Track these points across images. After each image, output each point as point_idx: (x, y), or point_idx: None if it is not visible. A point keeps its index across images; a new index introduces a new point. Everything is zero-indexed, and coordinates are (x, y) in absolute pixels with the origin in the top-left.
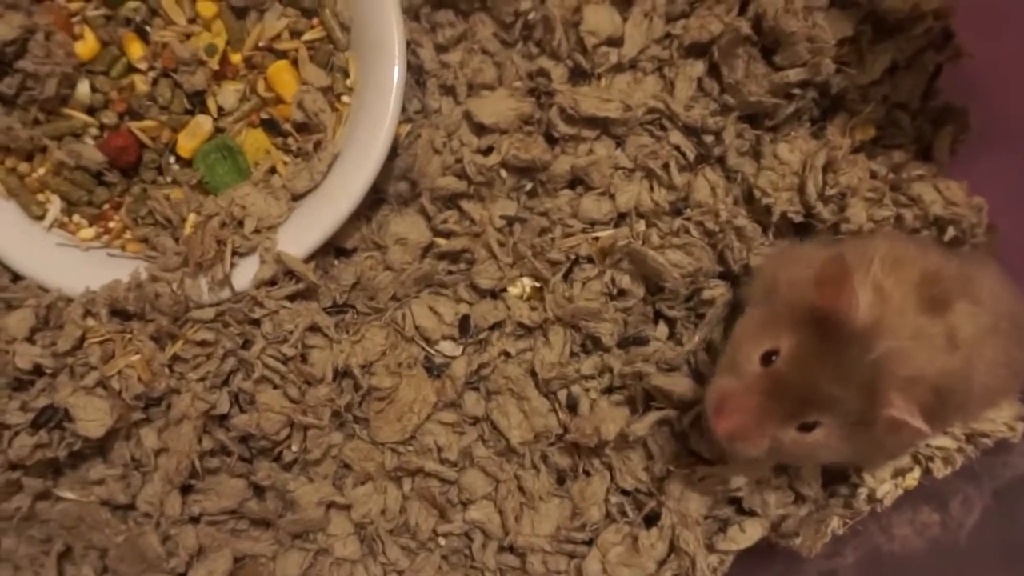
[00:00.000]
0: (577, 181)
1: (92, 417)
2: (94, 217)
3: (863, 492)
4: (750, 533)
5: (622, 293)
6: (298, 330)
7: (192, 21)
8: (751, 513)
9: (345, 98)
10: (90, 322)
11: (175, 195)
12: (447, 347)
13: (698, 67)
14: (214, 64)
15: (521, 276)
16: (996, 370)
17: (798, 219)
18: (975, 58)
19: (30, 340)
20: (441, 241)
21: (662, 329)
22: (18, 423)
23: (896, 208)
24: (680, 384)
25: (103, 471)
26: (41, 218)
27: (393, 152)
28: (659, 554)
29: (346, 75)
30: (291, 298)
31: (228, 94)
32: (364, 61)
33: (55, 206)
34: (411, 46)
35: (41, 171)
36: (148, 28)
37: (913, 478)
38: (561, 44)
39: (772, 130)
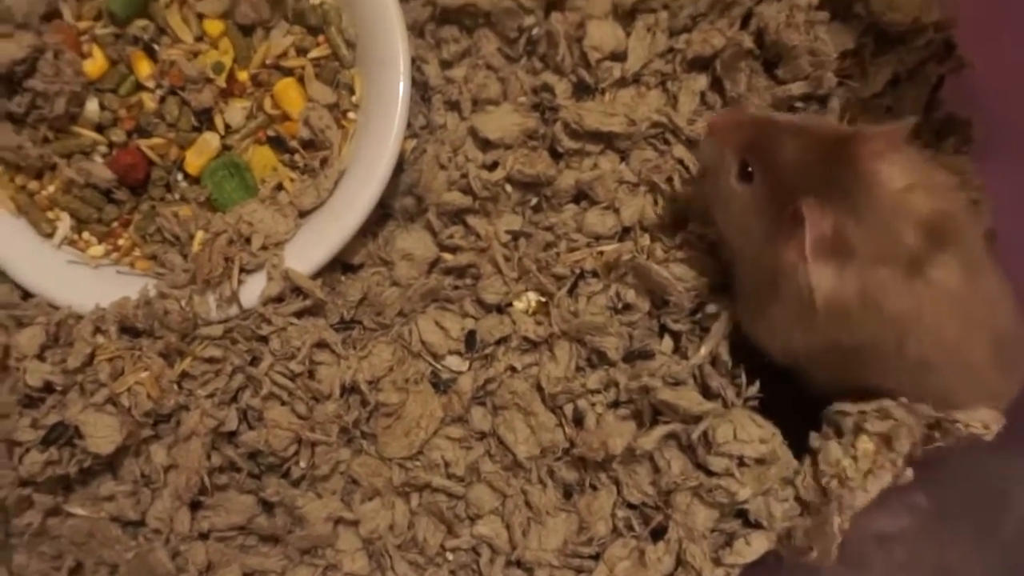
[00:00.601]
0: (582, 195)
1: (102, 434)
2: (103, 234)
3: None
4: (756, 546)
5: (627, 307)
6: (305, 347)
7: (199, 39)
8: (757, 525)
9: (351, 115)
10: (100, 339)
11: (183, 212)
12: (453, 362)
13: (701, 81)
14: (221, 82)
15: (527, 291)
16: (941, 343)
17: None
18: (977, 69)
19: (40, 357)
20: (447, 256)
21: (667, 343)
22: (29, 440)
23: None
24: (687, 398)
25: (113, 487)
26: (51, 236)
27: (399, 168)
28: (666, 568)
29: (352, 92)
30: (298, 315)
31: (235, 111)
32: (370, 78)
33: (65, 224)
34: (416, 62)
35: (51, 189)
36: (156, 46)
37: (867, 446)
38: (565, 59)
39: None
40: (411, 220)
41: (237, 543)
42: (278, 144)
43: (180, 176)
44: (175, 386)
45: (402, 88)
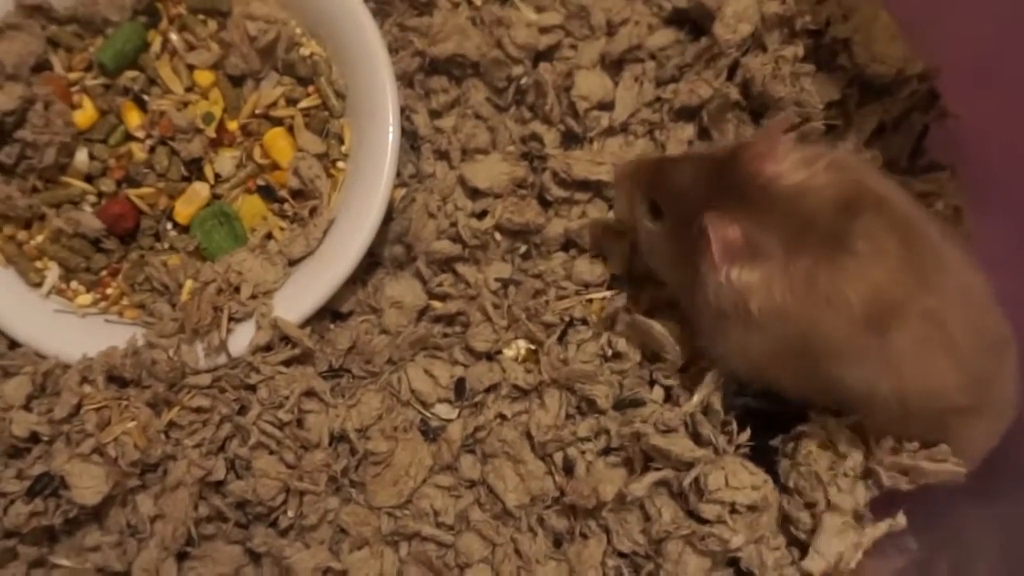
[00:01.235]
0: (570, 244)
1: (88, 484)
2: (92, 283)
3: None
4: None
5: (617, 355)
6: (294, 395)
7: (189, 90)
8: (748, 574)
9: (340, 164)
10: (87, 389)
11: (172, 261)
12: (443, 410)
13: (688, 130)
14: (211, 132)
15: (516, 338)
16: (891, 304)
17: None
18: (960, 119)
19: (27, 408)
20: (436, 304)
21: (658, 391)
22: (14, 491)
23: None
24: (679, 444)
25: (99, 538)
26: (39, 285)
27: (388, 216)
28: None
29: (341, 141)
30: (287, 363)
31: (225, 161)
32: (359, 127)
33: (53, 273)
34: (405, 112)
35: (39, 238)
36: (146, 97)
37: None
38: (553, 109)
39: None
40: (400, 268)
41: None
42: (268, 193)
43: (169, 225)
44: (162, 435)
45: (391, 138)
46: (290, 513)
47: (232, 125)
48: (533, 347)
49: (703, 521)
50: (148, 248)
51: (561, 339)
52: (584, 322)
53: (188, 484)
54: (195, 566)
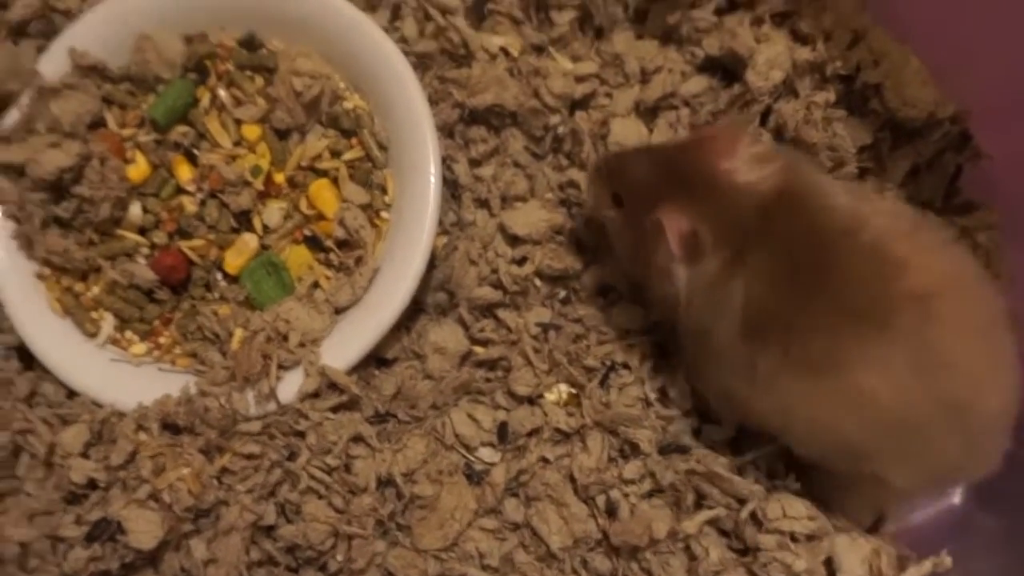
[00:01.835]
0: (609, 288)
1: (144, 529)
2: (145, 333)
3: None
4: None
5: (666, 400)
6: (342, 441)
7: (237, 144)
8: None
9: (384, 214)
10: (142, 436)
11: (223, 311)
12: (486, 454)
13: None
14: (259, 184)
15: (557, 383)
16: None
17: None
18: (994, 159)
19: (84, 455)
20: (479, 349)
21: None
22: (73, 536)
23: None
24: (735, 480)
25: None
26: (95, 335)
27: (431, 264)
28: None
29: (384, 192)
30: (335, 409)
31: (272, 212)
32: (401, 178)
33: (108, 323)
34: (446, 162)
35: (95, 290)
36: (196, 151)
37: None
38: (590, 156)
39: None
40: (443, 314)
41: None
42: (314, 243)
43: (219, 276)
44: (215, 481)
45: (433, 188)
46: (339, 557)
47: (279, 177)
48: (574, 391)
49: (757, 551)
50: (199, 298)
51: (603, 383)
52: (626, 366)
53: (240, 529)
54: None
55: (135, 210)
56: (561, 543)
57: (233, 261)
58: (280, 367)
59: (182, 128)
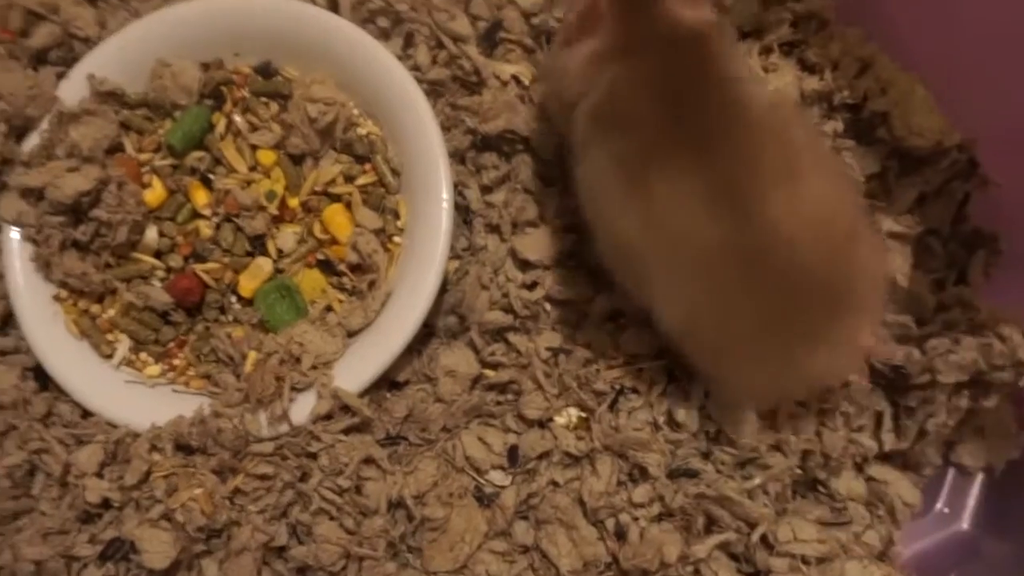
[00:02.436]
0: (618, 314)
1: (157, 549)
2: (160, 355)
3: None
4: None
5: (673, 425)
6: (353, 463)
7: (252, 169)
8: None
9: (397, 239)
10: (156, 457)
11: (236, 333)
12: (496, 476)
13: None
14: (273, 209)
15: (567, 406)
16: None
17: None
18: (1001, 186)
19: (99, 475)
20: (489, 373)
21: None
22: (87, 555)
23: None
24: (744, 503)
25: None
26: (110, 356)
27: (442, 288)
28: None
29: (397, 217)
30: (346, 431)
31: (287, 237)
32: (414, 203)
33: (124, 345)
34: (458, 188)
35: (111, 312)
36: (212, 176)
37: None
38: None
39: None
40: (454, 338)
41: None
42: (327, 267)
43: (234, 299)
44: (227, 502)
45: (445, 213)
46: None
47: (293, 202)
48: (584, 415)
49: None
50: (213, 321)
51: (612, 407)
52: (635, 391)
53: (252, 549)
54: None
55: (151, 234)
56: (571, 566)
57: (247, 284)
58: (293, 389)
59: (198, 153)
